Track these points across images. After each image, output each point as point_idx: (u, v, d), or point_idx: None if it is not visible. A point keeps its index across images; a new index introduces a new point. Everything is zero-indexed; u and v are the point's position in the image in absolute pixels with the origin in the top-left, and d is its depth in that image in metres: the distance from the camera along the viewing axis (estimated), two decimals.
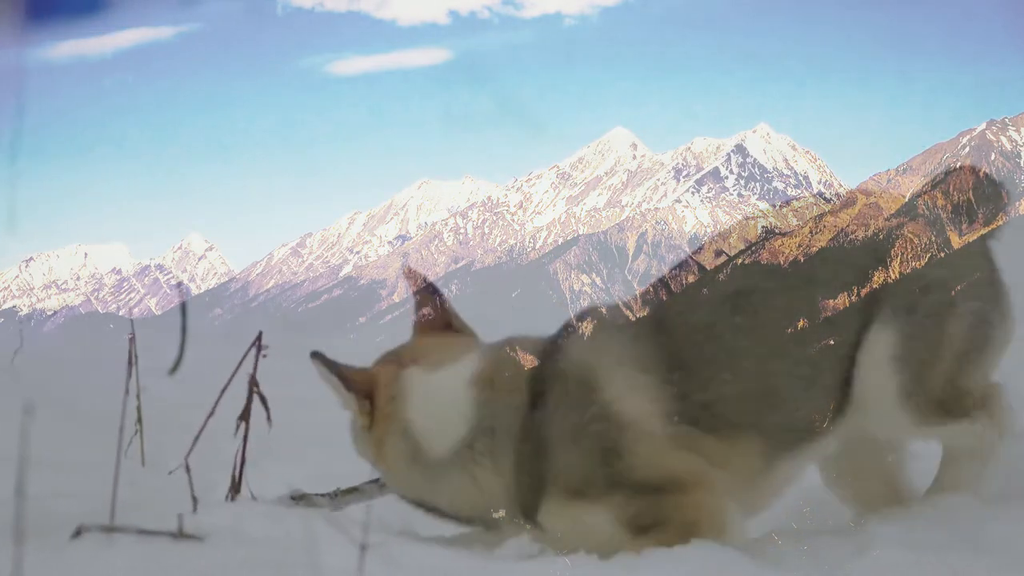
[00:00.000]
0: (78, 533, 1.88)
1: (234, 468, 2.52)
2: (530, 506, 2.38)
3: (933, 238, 2.71)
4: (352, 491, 2.86)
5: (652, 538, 2.30)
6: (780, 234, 2.73)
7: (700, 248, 2.82)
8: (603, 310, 2.57)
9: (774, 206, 3.01)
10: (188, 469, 2.17)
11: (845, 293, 2.52)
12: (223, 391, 2.41)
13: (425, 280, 2.63)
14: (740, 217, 3.00)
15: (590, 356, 2.41)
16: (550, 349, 2.44)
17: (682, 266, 2.78)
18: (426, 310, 2.61)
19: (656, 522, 2.32)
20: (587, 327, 2.50)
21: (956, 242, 2.73)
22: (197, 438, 2.37)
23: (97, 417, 2.17)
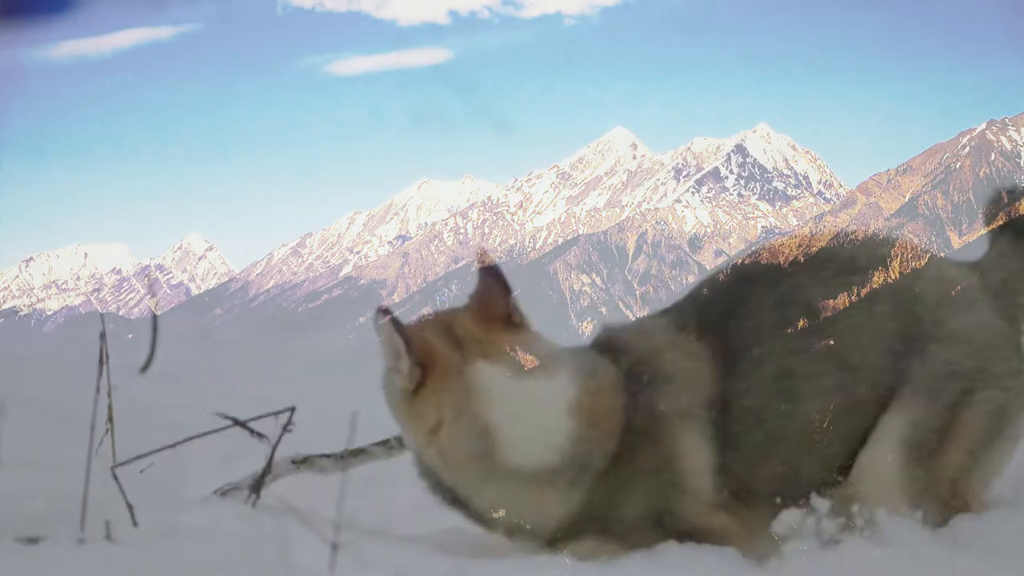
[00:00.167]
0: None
1: (263, 473, 2.51)
2: (566, 536, 2.42)
3: (933, 238, 2.70)
4: (359, 452, 2.83)
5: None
6: (780, 234, 2.73)
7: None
8: (621, 334, 2.60)
9: (774, 206, 3.01)
10: (116, 479, 2.16)
11: (845, 293, 2.52)
12: (198, 436, 2.39)
13: (495, 264, 2.62)
14: (740, 217, 3.00)
15: (667, 408, 2.46)
16: (634, 387, 2.46)
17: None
18: (489, 292, 2.52)
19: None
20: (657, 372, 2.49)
21: (956, 242, 2.72)
22: (139, 456, 2.35)
23: (75, 416, 2.16)
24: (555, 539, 2.41)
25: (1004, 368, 2.55)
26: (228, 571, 1.80)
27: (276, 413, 2.31)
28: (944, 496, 2.48)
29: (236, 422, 2.38)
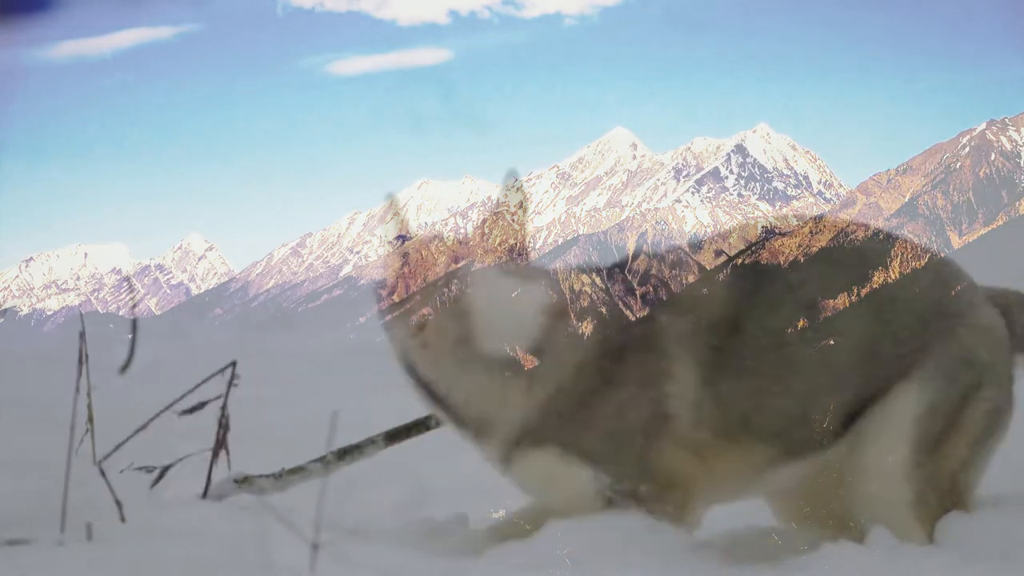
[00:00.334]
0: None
1: (209, 472, 2.52)
2: (529, 439, 2.43)
3: (933, 238, 2.70)
4: (297, 471, 2.84)
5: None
6: (780, 234, 2.72)
7: (700, 247, 2.81)
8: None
9: (774, 206, 3.01)
10: (103, 473, 2.16)
11: (845, 294, 2.51)
12: (164, 409, 2.39)
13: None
14: (740, 217, 3.00)
15: (670, 327, 2.46)
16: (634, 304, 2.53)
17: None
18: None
19: (629, 499, 2.36)
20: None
21: (956, 242, 2.72)
22: (119, 446, 2.35)
23: (67, 417, 2.17)
24: (520, 441, 2.43)
25: (1006, 368, 2.56)
26: (208, 572, 1.80)
27: (220, 371, 2.37)
28: (944, 489, 2.46)
29: (188, 411, 2.39)
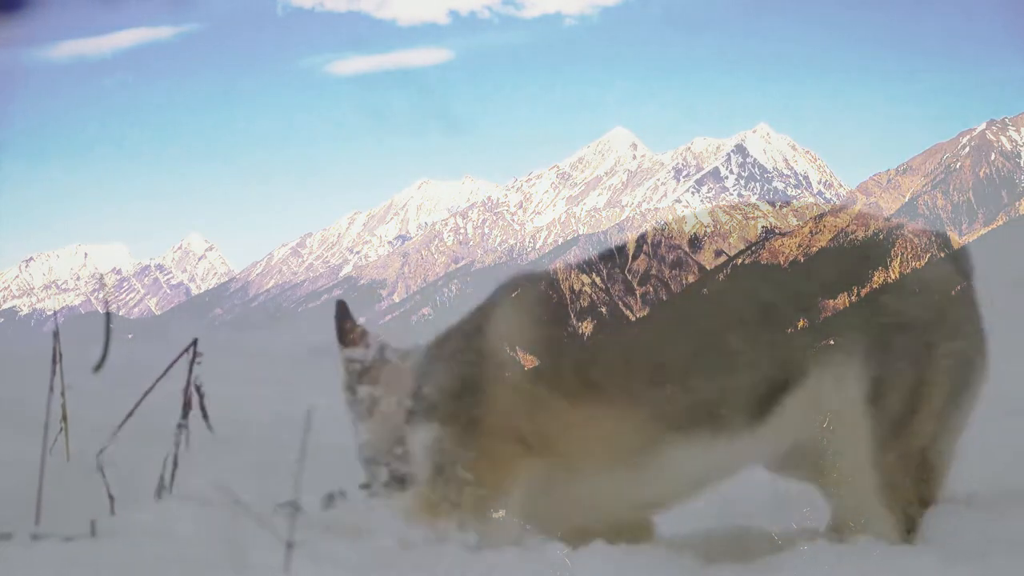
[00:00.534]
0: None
1: (163, 469, 2.52)
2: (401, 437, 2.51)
3: (933, 238, 2.68)
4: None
5: (439, 491, 2.41)
6: (780, 234, 2.71)
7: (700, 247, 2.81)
8: (536, 280, 2.67)
9: (774, 206, 3.01)
10: (101, 468, 2.16)
11: (845, 293, 2.50)
12: (145, 394, 2.41)
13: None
14: (740, 217, 2.99)
15: (495, 309, 2.54)
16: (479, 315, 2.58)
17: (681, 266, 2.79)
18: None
19: (449, 469, 2.40)
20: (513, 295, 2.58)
21: (956, 242, 2.71)
22: (112, 436, 2.36)
23: (38, 417, 2.17)
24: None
25: (961, 317, 2.44)
26: (184, 571, 1.79)
27: (183, 352, 2.39)
28: (915, 467, 2.35)
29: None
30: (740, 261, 2.72)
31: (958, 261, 2.56)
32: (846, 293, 2.49)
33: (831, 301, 2.47)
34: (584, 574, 2.13)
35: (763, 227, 2.81)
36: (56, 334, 2.30)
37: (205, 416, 2.48)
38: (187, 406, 2.46)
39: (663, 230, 2.98)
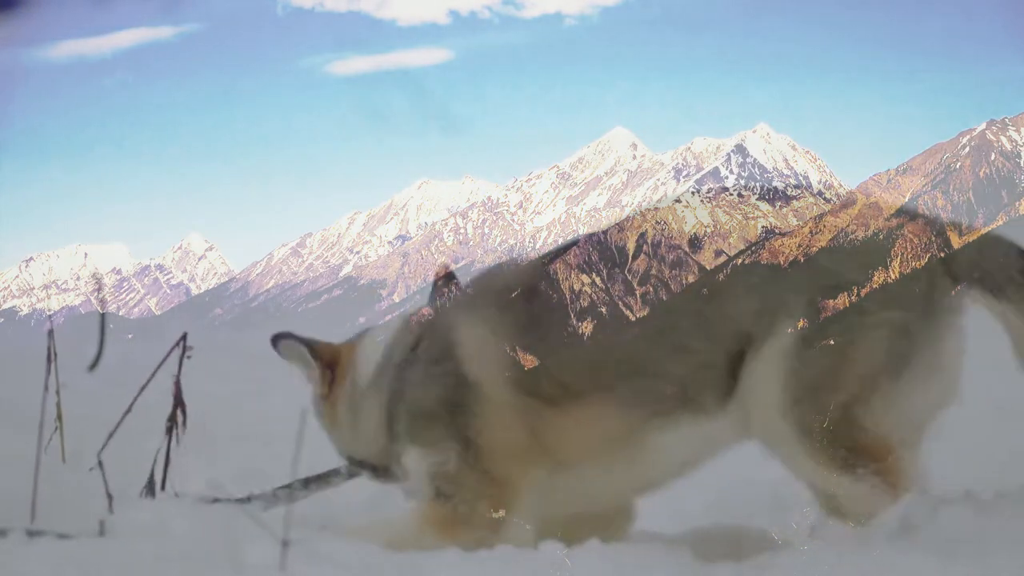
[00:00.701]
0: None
1: (153, 466, 2.53)
2: (387, 448, 2.56)
3: (933, 238, 2.68)
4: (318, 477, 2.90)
5: (440, 510, 2.44)
6: (780, 234, 2.71)
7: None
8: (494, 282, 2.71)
9: (774, 206, 3.01)
10: (101, 466, 2.16)
11: (845, 293, 2.50)
12: (141, 390, 2.42)
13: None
14: (740, 217, 2.99)
15: (456, 316, 2.57)
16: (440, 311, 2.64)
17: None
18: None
19: (457, 492, 2.42)
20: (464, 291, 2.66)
21: (956, 241, 2.70)
22: (111, 435, 2.36)
23: (35, 416, 2.18)
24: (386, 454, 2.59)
25: (908, 287, 2.36)
26: (179, 569, 1.79)
27: (173, 347, 2.42)
28: (837, 422, 2.30)
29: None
30: (740, 261, 2.72)
31: (937, 237, 2.55)
32: (846, 293, 2.48)
33: (831, 301, 2.47)
34: (583, 574, 2.13)
35: (763, 227, 2.81)
36: (51, 333, 2.30)
37: (183, 413, 2.49)
38: (177, 403, 2.47)
39: (662, 228, 2.98)
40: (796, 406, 2.31)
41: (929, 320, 2.35)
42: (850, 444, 2.31)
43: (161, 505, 2.30)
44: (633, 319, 2.59)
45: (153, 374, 2.46)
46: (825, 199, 2.88)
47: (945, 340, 2.36)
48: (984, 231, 2.76)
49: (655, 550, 2.31)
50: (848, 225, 2.74)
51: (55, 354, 2.29)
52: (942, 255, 2.46)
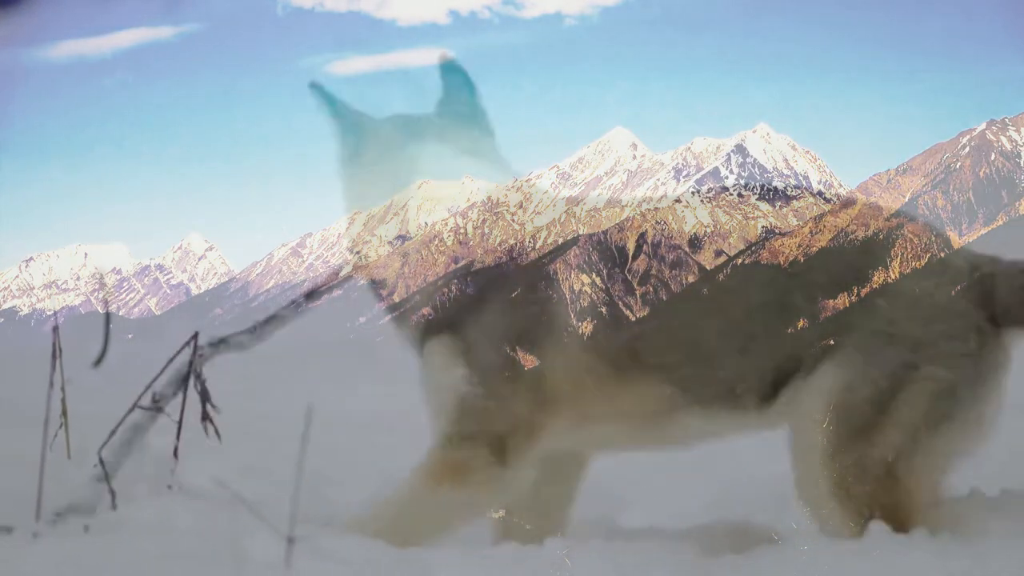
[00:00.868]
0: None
1: (158, 466, 2.53)
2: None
3: (933, 238, 2.68)
4: (272, 319, 2.90)
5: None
6: (780, 234, 2.72)
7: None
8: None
9: (774, 206, 3.01)
10: (102, 462, 2.16)
11: (845, 293, 2.50)
12: (147, 388, 2.42)
13: None
14: (740, 217, 3.00)
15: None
16: None
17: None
18: None
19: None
20: None
21: (956, 242, 2.69)
22: (113, 432, 2.37)
23: (38, 414, 2.19)
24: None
25: (954, 347, 2.34)
26: (183, 565, 1.80)
27: (184, 345, 2.43)
28: (875, 478, 2.31)
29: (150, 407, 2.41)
30: (740, 261, 2.72)
31: (989, 279, 2.42)
32: (846, 293, 2.48)
33: (831, 301, 2.47)
34: (583, 573, 2.14)
35: (763, 227, 2.81)
36: (56, 329, 2.31)
37: (207, 416, 2.49)
38: (204, 398, 2.48)
39: (661, 227, 2.99)
40: (837, 455, 2.34)
41: (977, 382, 2.35)
42: (885, 501, 2.35)
43: (166, 502, 2.31)
44: (706, 310, 2.67)
45: (160, 372, 2.47)
46: (825, 199, 2.88)
47: (989, 401, 2.39)
48: (984, 231, 2.75)
49: (655, 548, 2.32)
50: (848, 225, 2.74)
51: (60, 350, 2.29)
52: (983, 302, 2.38)
